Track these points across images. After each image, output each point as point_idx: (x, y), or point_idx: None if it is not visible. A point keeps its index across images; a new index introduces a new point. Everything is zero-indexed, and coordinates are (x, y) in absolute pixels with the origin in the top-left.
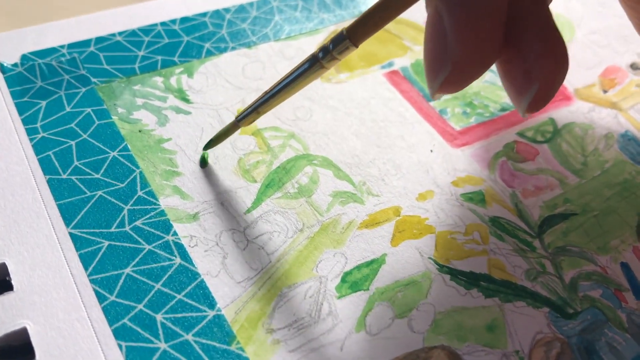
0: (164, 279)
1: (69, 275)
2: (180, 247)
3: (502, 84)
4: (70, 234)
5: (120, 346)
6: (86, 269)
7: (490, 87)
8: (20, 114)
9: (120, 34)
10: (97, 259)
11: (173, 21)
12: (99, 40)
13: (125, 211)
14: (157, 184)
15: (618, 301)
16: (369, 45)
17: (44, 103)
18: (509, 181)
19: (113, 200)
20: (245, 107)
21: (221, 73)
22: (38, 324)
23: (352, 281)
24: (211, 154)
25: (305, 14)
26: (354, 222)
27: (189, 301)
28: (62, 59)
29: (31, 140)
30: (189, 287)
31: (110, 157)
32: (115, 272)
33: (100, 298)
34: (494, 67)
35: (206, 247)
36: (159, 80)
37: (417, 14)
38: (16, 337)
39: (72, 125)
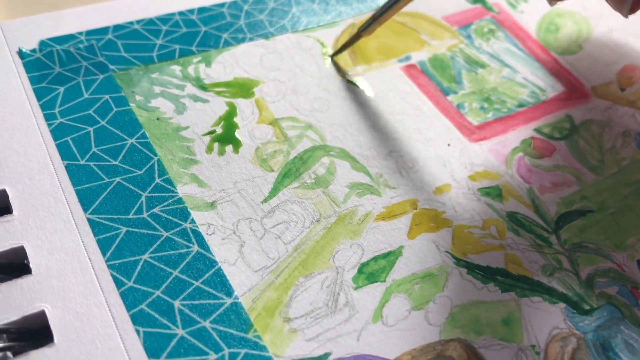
0: (181, 266)
1: (86, 260)
2: (198, 235)
3: None
4: (89, 220)
5: (137, 331)
6: (104, 254)
7: (507, 82)
8: (38, 99)
9: (138, 22)
10: (115, 245)
11: (191, 11)
12: (117, 27)
13: (143, 198)
14: (175, 172)
15: (634, 299)
16: (386, 38)
17: (62, 89)
18: (526, 177)
19: (131, 187)
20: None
21: (239, 63)
22: (56, 307)
23: (368, 272)
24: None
25: (323, 6)
26: (371, 213)
27: (207, 288)
28: (80, 45)
29: (49, 125)
30: (207, 275)
31: (128, 144)
32: (133, 258)
33: (118, 283)
34: (512, 62)
35: (223, 235)
36: (176, 68)
37: (435, 10)
38: (34, 320)
39: (90, 111)
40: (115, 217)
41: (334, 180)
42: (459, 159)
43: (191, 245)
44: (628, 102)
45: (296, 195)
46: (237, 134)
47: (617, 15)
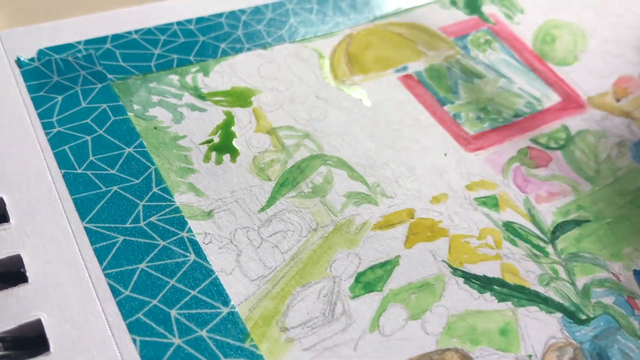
0: (178, 275)
1: (83, 269)
2: (195, 244)
3: None
4: (86, 228)
5: (134, 340)
6: (101, 263)
7: (504, 93)
8: (36, 108)
9: (136, 32)
10: (111, 254)
11: (189, 21)
12: (116, 37)
13: (140, 207)
14: (172, 181)
15: (631, 308)
16: (383, 48)
17: (60, 98)
18: (522, 186)
19: (128, 195)
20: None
21: (236, 72)
22: (52, 316)
23: (365, 282)
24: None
25: (321, 17)
26: (368, 223)
27: (203, 298)
28: (79, 54)
29: (47, 134)
30: (203, 284)
31: (125, 153)
32: (130, 267)
33: (115, 292)
34: (509, 73)
35: (220, 244)
36: (174, 78)
37: (432, 21)
38: (31, 329)
39: (88, 120)
40: (112, 226)
41: (331, 189)
42: (456, 169)
43: (188, 254)
44: (623, 112)
45: (293, 204)
46: (234, 142)
47: (612, 27)
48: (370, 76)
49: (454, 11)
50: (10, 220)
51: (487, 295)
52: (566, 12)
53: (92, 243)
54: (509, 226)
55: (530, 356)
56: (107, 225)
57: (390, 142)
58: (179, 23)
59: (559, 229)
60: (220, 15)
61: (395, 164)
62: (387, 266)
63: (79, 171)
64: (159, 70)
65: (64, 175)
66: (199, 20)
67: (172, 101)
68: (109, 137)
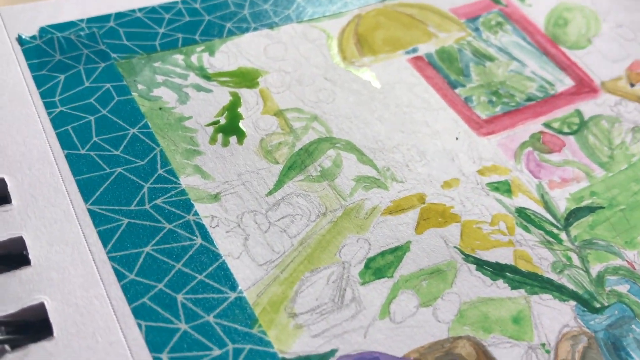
0: (184, 259)
1: (87, 252)
2: (202, 227)
3: None
4: (89, 210)
5: (139, 325)
6: (105, 246)
7: (516, 76)
8: (38, 87)
9: (140, 10)
10: (116, 237)
11: None
12: (119, 15)
13: (145, 189)
14: (178, 163)
15: None
16: (393, 29)
17: (62, 77)
18: (535, 172)
19: (133, 177)
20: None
21: (242, 52)
22: (55, 299)
23: (375, 267)
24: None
25: None
26: (378, 207)
27: (210, 282)
28: (81, 33)
29: (49, 114)
30: (210, 268)
31: (130, 134)
32: (135, 251)
33: (120, 276)
34: (521, 56)
35: (227, 228)
36: (179, 57)
37: (443, 1)
38: (33, 313)
39: (91, 100)
40: (117, 208)
41: (340, 173)
42: (467, 153)
43: (194, 237)
44: (637, 97)
45: (301, 188)
46: (241, 124)
47: (626, 11)
48: (380, 57)
49: None
50: (12, 202)
51: (500, 282)
52: None
53: (96, 225)
54: (521, 212)
55: (543, 345)
56: (111, 207)
57: (400, 125)
58: (183, 1)
59: (573, 215)
60: None
61: (405, 148)
62: (398, 252)
63: (82, 152)
64: (163, 50)
65: (66, 156)
66: None
67: (177, 81)
68: (112, 117)
